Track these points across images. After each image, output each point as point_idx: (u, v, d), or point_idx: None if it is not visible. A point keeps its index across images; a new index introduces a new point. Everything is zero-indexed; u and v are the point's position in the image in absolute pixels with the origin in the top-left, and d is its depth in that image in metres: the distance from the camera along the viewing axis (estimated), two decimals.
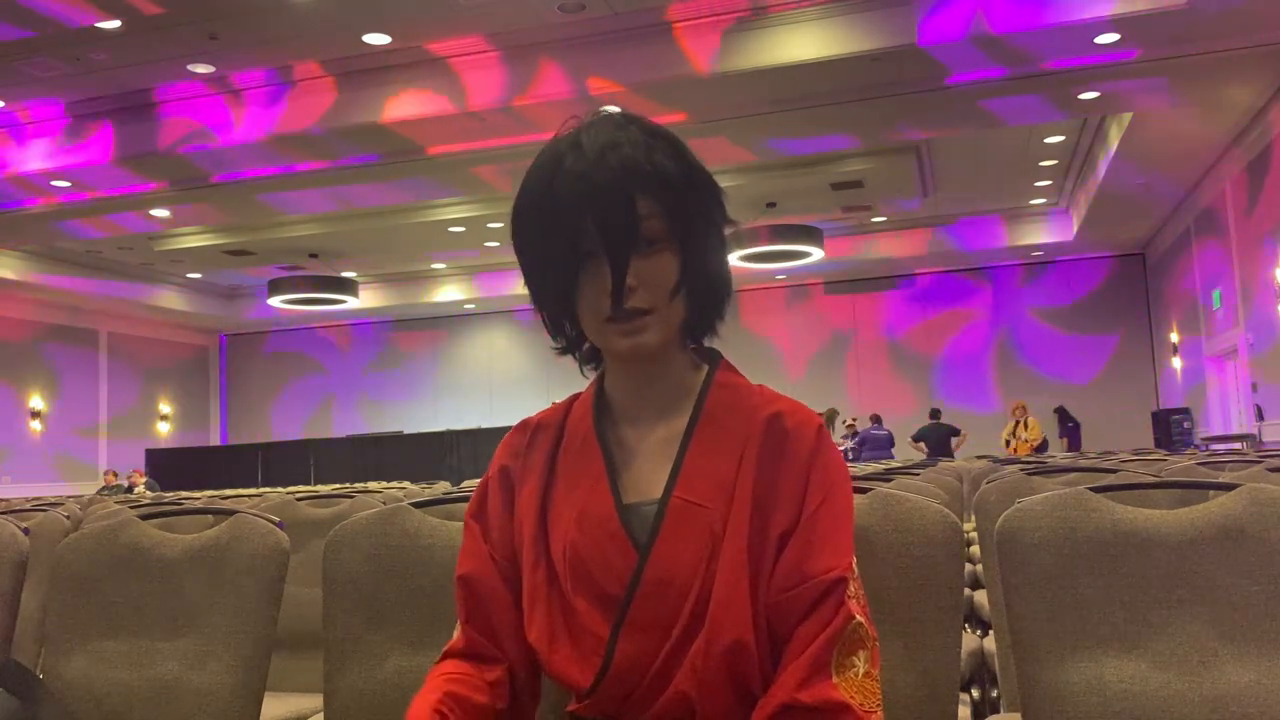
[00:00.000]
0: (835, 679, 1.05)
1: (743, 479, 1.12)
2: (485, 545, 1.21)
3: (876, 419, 14.24)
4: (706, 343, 1.23)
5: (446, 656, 1.22)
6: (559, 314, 1.18)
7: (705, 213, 1.15)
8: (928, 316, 16.39)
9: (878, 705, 1.08)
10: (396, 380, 18.83)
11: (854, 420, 14.73)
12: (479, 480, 1.29)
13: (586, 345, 1.21)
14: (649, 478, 1.15)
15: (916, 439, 13.48)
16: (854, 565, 1.12)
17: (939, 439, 13.33)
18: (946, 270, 16.25)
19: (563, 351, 1.22)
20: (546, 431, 1.23)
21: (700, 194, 1.14)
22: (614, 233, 1.08)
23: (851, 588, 1.10)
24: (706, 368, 1.21)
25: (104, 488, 13.99)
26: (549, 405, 1.28)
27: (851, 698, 1.05)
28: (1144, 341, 15.47)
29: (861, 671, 1.07)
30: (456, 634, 1.22)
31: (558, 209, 1.09)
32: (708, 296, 1.17)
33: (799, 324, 16.85)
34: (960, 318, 16.24)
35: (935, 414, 13.87)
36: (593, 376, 1.25)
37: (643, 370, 1.18)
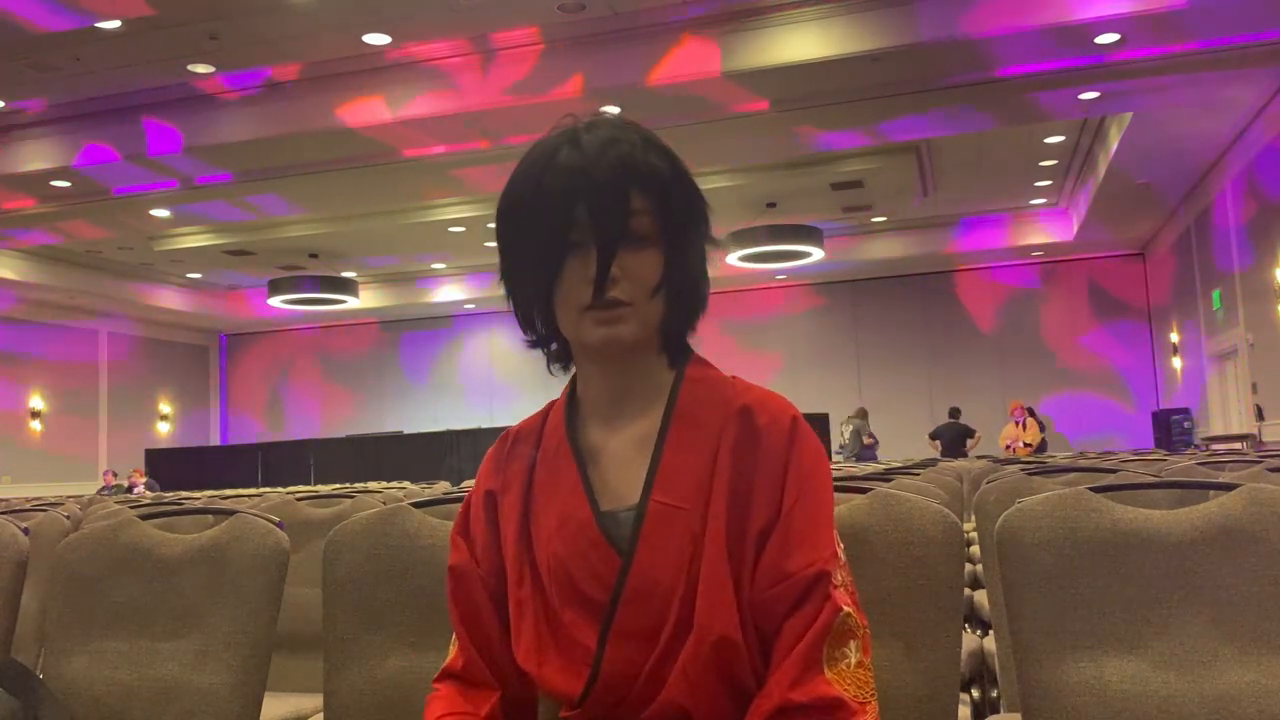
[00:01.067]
0: (828, 673, 1.05)
1: (718, 475, 1.11)
2: (463, 571, 1.22)
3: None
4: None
5: (444, 677, 1.21)
6: (532, 307, 1.17)
7: (693, 220, 1.15)
8: (928, 317, 16.39)
9: (871, 695, 1.07)
10: (396, 380, 18.83)
11: (846, 421, 14.77)
12: (465, 496, 1.30)
13: (555, 345, 1.20)
14: (625, 482, 1.14)
15: (933, 437, 13.68)
16: (839, 553, 1.11)
17: (954, 438, 13.49)
18: (947, 270, 16.25)
19: (532, 345, 1.21)
20: (525, 441, 1.23)
21: (690, 201, 1.15)
22: (606, 221, 1.08)
23: (838, 577, 1.09)
24: (678, 365, 1.20)
25: (104, 488, 13.99)
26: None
27: (845, 690, 1.05)
28: (1144, 341, 15.48)
29: (854, 661, 1.07)
30: (454, 651, 1.22)
31: (551, 198, 1.09)
32: (685, 302, 1.17)
33: (799, 324, 16.85)
34: (961, 318, 16.24)
35: (954, 413, 13.98)
36: (559, 374, 1.24)
37: (615, 370, 1.17)
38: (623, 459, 1.15)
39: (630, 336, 1.12)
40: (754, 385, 1.18)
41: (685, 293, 1.16)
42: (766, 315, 16.67)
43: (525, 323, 1.19)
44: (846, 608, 1.08)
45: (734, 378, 1.20)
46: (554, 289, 1.12)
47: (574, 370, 1.23)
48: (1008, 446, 13.25)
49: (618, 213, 1.08)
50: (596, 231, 1.08)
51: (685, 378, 1.18)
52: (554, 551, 1.13)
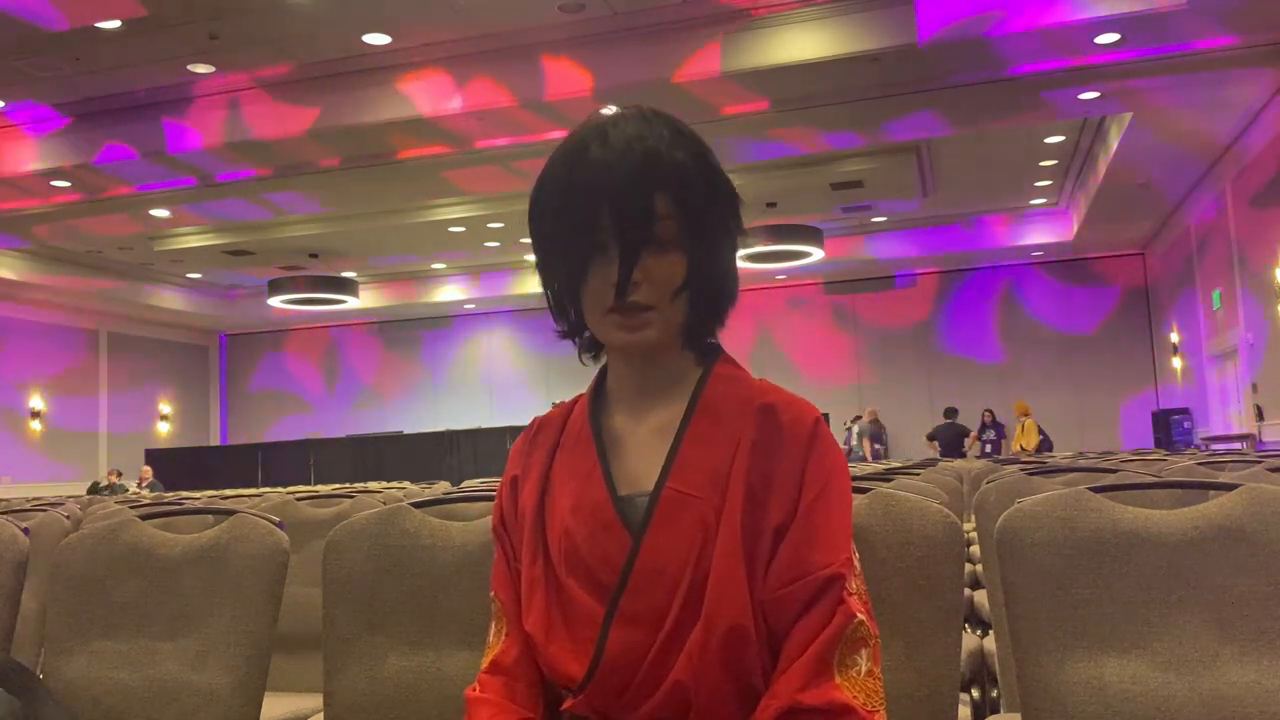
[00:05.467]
0: (838, 679, 1.05)
1: (736, 470, 1.11)
2: (507, 560, 1.23)
3: (859, 420, 14.43)
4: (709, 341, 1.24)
5: (494, 670, 1.19)
6: (564, 298, 1.18)
7: (720, 218, 1.15)
8: (928, 317, 16.39)
9: (880, 704, 1.07)
10: (396, 380, 18.83)
11: (851, 421, 14.80)
12: (484, 480, 1.30)
13: (587, 333, 1.21)
14: (643, 469, 1.15)
15: (931, 438, 13.75)
16: (855, 561, 1.12)
17: (951, 438, 13.54)
18: (946, 270, 16.25)
19: (563, 335, 1.23)
20: (549, 428, 1.25)
21: (718, 199, 1.15)
22: (629, 227, 1.09)
23: (853, 584, 1.09)
24: (707, 362, 1.21)
25: (103, 486, 13.96)
26: (549, 404, 1.29)
27: (855, 698, 1.05)
28: (1144, 341, 15.48)
29: (864, 670, 1.07)
30: (503, 642, 1.20)
31: (578, 196, 1.10)
32: (711, 299, 1.18)
33: (799, 324, 16.85)
34: (960, 318, 16.24)
35: (951, 413, 14.02)
36: (590, 364, 1.26)
37: (642, 363, 1.19)
38: (643, 446, 1.17)
39: (653, 339, 1.14)
40: (779, 387, 1.19)
41: (710, 292, 1.17)
42: (766, 315, 16.67)
43: (559, 311, 1.21)
44: (860, 615, 1.08)
45: (762, 380, 1.20)
46: (580, 286, 1.13)
47: (604, 361, 1.24)
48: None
49: (641, 219, 1.09)
50: (619, 237, 1.09)
51: (713, 374, 1.19)
52: (566, 530, 1.14)
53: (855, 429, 14.42)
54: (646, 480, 1.14)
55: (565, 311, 1.20)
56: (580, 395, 1.26)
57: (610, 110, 1.17)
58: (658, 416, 1.18)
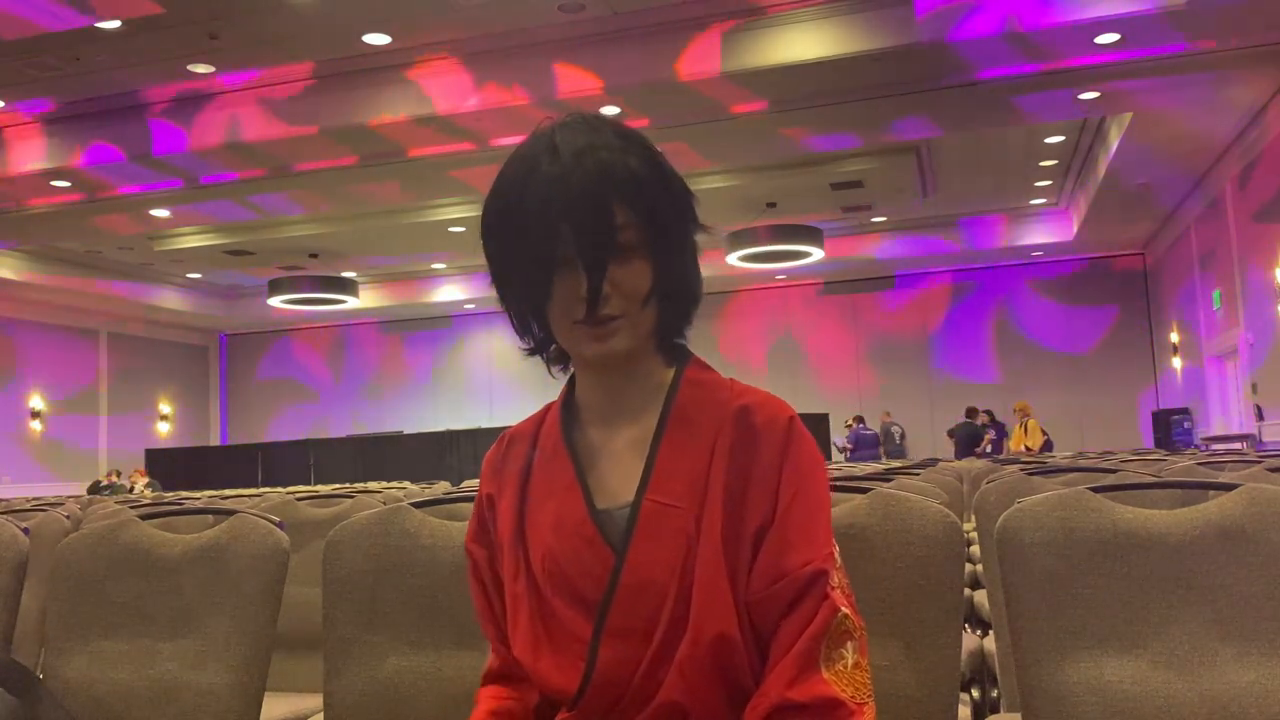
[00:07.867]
0: (825, 673, 1.05)
1: (714, 476, 1.11)
2: (482, 580, 1.23)
3: (860, 419, 14.46)
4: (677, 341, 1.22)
5: (488, 680, 1.22)
6: (527, 315, 1.17)
7: (678, 219, 1.14)
8: (927, 317, 16.40)
9: (869, 696, 1.07)
10: (396, 380, 18.83)
11: (852, 421, 14.82)
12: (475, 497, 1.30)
13: (554, 346, 1.20)
14: (621, 481, 1.14)
15: (951, 433, 13.85)
16: (836, 555, 1.11)
17: (966, 437, 13.59)
18: (946, 270, 16.25)
19: (530, 353, 1.21)
20: (520, 443, 1.23)
21: (673, 199, 1.13)
22: (591, 241, 1.07)
23: (835, 578, 1.09)
24: (676, 366, 1.19)
25: (100, 485, 13.94)
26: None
27: (843, 690, 1.05)
28: (1144, 342, 15.47)
29: (851, 662, 1.07)
30: (491, 656, 1.23)
31: (534, 213, 1.08)
32: (678, 302, 1.16)
33: (799, 324, 16.85)
34: (960, 318, 16.24)
35: (971, 413, 14.07)
36: (561, 378, 1.24)
37: (612, 373, 1.17)
38: (619, 459, 1.15)
39: (624, 347, 1.12)
40: (751, 387, 1.18)
41: (676, 294, 1.15)
42: (766, 315, 16.67)
43: (521, 328, 1.19)
44: (844, 609, 1.08)
45: (732, 381, 1.19)
46: (545, 303, 1.12)
47: (572, 372, 1.23)
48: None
49: (603, 231, 1.07)
50: (582, 253, 1.07)
51: (684, 379, 1.17)
52: (548, 549, 1.13)
53: (898, 429, 14.47)
54: (624, 493, 1.12)
55: (529, 328, 1.18)
56: (549, 405, 1.24)
57: (551, 121, 1.14)
58: (631, 426, 1.16)
